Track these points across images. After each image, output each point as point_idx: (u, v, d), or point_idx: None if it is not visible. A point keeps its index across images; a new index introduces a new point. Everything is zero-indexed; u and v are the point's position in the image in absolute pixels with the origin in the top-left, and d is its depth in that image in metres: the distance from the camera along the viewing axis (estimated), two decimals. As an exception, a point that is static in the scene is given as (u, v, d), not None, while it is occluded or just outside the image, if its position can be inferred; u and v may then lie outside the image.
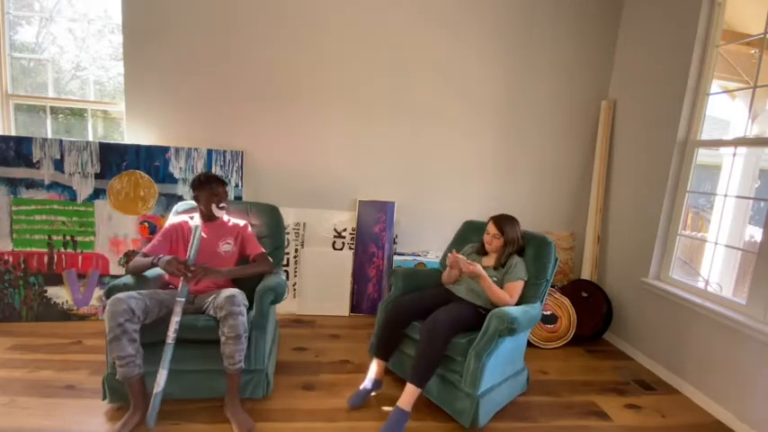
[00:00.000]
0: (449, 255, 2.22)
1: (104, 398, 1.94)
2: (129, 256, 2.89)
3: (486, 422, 2.00)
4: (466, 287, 2.26)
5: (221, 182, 2.20)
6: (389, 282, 2.30)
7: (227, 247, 2.22)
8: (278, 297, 2.10)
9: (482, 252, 2.35)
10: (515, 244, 2.26)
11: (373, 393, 2.18)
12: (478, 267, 2.11)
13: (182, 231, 2.18)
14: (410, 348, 2.17)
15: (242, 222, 2.32)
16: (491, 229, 2.25)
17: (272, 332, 2.26)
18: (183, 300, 1.86)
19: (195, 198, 2.20)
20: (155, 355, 1.89)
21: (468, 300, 2.20)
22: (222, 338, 1.86)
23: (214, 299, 1.99)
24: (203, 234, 2.19)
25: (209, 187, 2.15)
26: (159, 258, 1.92)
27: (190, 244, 1.95)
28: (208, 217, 2.21)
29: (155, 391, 1.77)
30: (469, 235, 2.58)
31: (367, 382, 2.14)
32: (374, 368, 2.18)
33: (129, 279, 2.00)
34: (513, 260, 2.23)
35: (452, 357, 1.99)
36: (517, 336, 2.05)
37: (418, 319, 2.15)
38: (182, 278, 1.87)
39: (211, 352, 1.93)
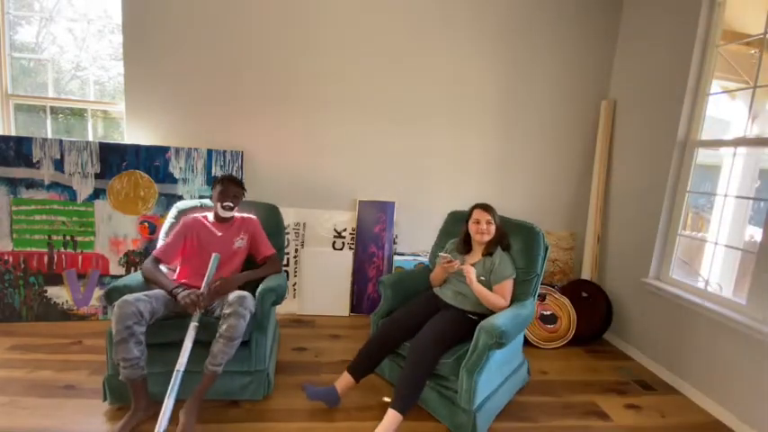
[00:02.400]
0: (441, 256, 2.13)
1: (105, 399, 1.94)
2: (128, 255, 2.89)
3: (486, 429, 1.98)
4: (452, 291, 2.16)
5: (235, 182, 2.19)
6: (378, 292, 2.23)
7: (240, 242, 2.22)
8: (279, 298, 2.10)
9: (464, 249, 2.21)
10: (503, 231, 2.16)
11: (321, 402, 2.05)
12: (470, 272, 2.02)
13: (194, 229, 2.16)
14: (401, 362, 2.11)
15: (253, 217, 2.31)
16: (482, 216, 2.09)
17: (272, 332, 2.26)
18: (198, 324, 1.86)
19: (212, 197, 2.23)
20: (157, 356, 1.89)
21: (455, 305, 2.12)
22: (217, 335, 1.82)
23: (223, 299, 1.97)
24: (218, 233, 2.19)
25: (220, 185, 2.16)
26: (179, 293, 1.90)
27: (208, 271, 1.96)
28: (219, 217, 2.21)
29: (157, 428, 1.65)
30: (456, 226, 2.44)
31: (330, 388, 2.02)
32: (341, 381, 2.03)
33: (129, 280, 2.00)
34: (496, 257, 2.09)
35: (445, 376, 1.95)
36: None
37: (408, 338, 2.07)
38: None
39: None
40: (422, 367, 1.87)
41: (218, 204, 2.15)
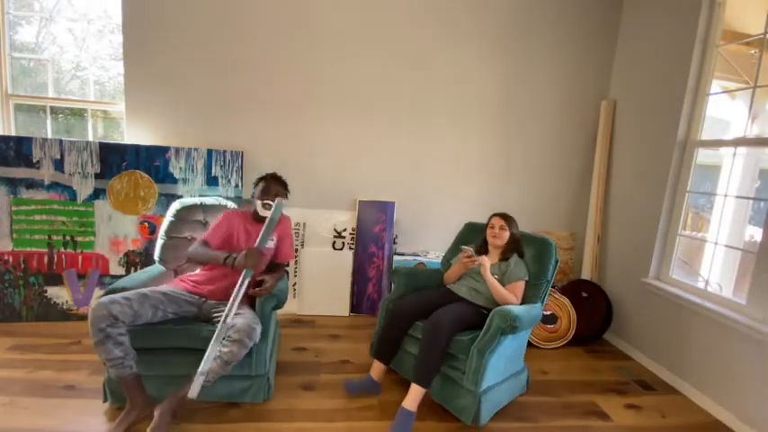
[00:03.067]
0: (464, 249, 2.23)
1: (105, 400, 1.94)
2: (128, 255, 2.89)
3: (488, 421, 2.00)
4: (467, 287, 2.26)
5: (279, 181, 2.18)
6: (390, 280, 2.31)
7: (271, 243, 2.20)
8: (279, 303, 2.10)
9: (483, 252, 2.36)
10: (518, 239, 2.31)
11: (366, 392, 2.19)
12: (485, 262, 2.15)
13: (235, 223, 2.14)
14: (413, 347, 2.15)
15: (288, 216, 2.31)
16: (496, 222, 2.29)
17: (272, 335, 2.25)
18: (249, 279, 1.88)
19: (254, 195, 2.20)
20: (156, 360, 1.89)
21: (469, 299, 2.21)
22: (216, 352, 1.80)
23: (231, 313, 1.90)
24: (254, 232, 2.15)
25: (263, 182, 2.15)
26: (234, 258, 1.91)
27: (268, 220, 1.95)
28: (258, 216, 2.18)
29: (200, 368, 1.74)
30: (471, 236, 2.57)
31: (367, 379, 2.18)
32: (375, 369, 2.19)
33: (127, 282, 1.98)
34: (512, 260, 2.24)
35: (454, 355, 1.99)
36: (518, 335, 2.06)
37: (420, 318, 2.15)
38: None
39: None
40: (440, 341, 1.94)
41: (259, 203, 2.12)
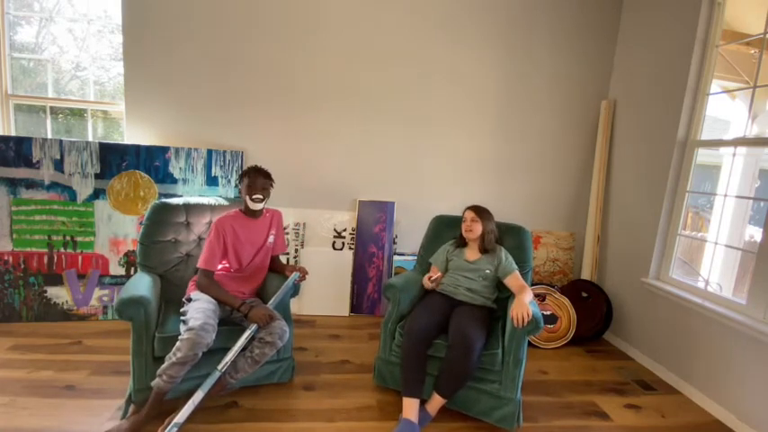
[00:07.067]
0: (427, 278, 2.26)
1: (124, 416, 1.88)
2: (128, 255, 2.89)
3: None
4: (463, 289, 2.24)
5: (263, 174, 2.13)
6: (385, 296, 2.24)
7: (272, 238, 2.23)
8: (296, 292, 2.24)
9: (462, 244, 2.38)
10: (492, 229, 2.32)
11: None
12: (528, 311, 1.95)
13: (228, 229, 2.09)
14: (431, 367, 2.03)
15: (278, 210, 2.33)
16: (468, 215, 2.30)
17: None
18: (253, 332, 1.91)
19: (240, 191, 2.17)
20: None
21: (470, 303, 2.21)
22: (247, 351, 1.91)
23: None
24: (252, 228, 2.16)
25: (247, 177, 2.11)
26: (250, 308, 1.93)
27: (282, 288, 2.02)
28: (250, 210, 2.16)
29: (177, 419, 1.71)
30: (442, 229, 2.57)
31: (404, 425, 1.86)
32: (409, 409, 1.89)
33: (143, 290, 1.91)
34: (501, 252, 2.28)
35: (488, 369, 1.98)
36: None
37: (437, 336, 2.05)
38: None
39: (218, 358, 1.89)
40: (473, 356, 1.89)
41: (248, 198, 2.10)
